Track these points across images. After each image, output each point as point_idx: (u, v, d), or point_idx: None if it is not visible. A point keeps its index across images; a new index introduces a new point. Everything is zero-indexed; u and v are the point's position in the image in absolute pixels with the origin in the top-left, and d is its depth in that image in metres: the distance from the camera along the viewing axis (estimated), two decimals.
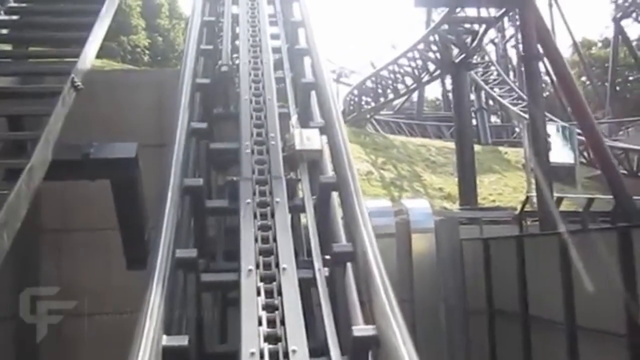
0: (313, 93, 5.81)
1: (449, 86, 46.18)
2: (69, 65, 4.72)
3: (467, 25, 17.87)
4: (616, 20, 38.50)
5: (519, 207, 14.95)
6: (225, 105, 5.87)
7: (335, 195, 4.52)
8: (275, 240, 3.73)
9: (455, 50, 18.55)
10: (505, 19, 26.68)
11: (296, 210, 4.57)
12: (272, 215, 3.95)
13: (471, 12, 18.72)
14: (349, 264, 3.81)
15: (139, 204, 5.22)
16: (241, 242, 3.72)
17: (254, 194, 4.18)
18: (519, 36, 42.58)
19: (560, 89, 14.45)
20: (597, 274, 6.59)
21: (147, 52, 28.74)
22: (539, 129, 12.22)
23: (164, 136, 5.31)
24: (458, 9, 16.89)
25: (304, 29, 6.67)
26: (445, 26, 18.14)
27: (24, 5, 5.71)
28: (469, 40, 17.79)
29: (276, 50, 6.55)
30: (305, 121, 5.52)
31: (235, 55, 6.29)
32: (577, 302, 7.15)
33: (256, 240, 3.71)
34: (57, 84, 4.61)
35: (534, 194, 14.26)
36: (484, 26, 17.57)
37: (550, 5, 36.62)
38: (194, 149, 5.12)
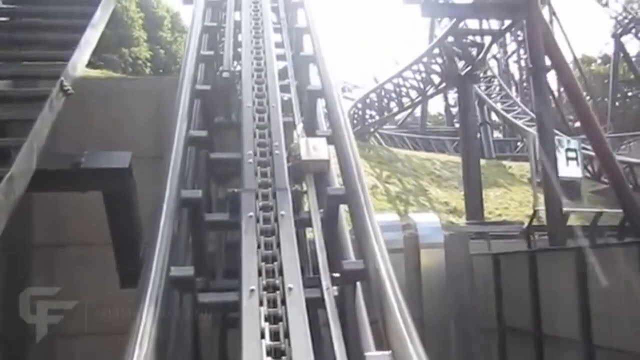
0: (319, 101, 5.56)
1: (451, 101, 46.39)
2: (58, 68, 4.42)
3: (473, 38, 17.62)
4: (616, 37, 38.53)
5: (526, 221, 14.65)
6: (226, 114, 5.56)
7: (343, 208, 4.25)
8: (280, 256, 3.40)
9: (461, 63, 18.29)
10: (507, 33, 26.44)
11: (302, 224, 4.24)
12: (277, 230, 3.63)
13: (473, 24, 18.57)
14: (359, 283, 3.51)
15: (133, 217, 4.91)
16: (242, 259, 3.40)
17: (257, 206, 3.86)
18: (521, 51, 42.99)
19: (569, 101, 14.13)
20: (616, 290, 6.26)
21: (148, 64, 28.52)
22: (547, 142, 11.91)
23: (163, 147, 5.05)
24: (462, 22, 16.65)
25: (310, 35, 6.40)
26: (451, 38, 17.86)
27: (13, 6, 5.43)
28: (474, 52, 17.54)
29: (280, 57, 6.28)
30: (311, 130, 5.23)
31: (237, 63, 6.05)
32: (594, 320, 6.80)
33: (259, 257, 3.38)
34: (45, 88, 4.30)
35: (541, 208, 13.97)
36: (490, 38, 17.32)
37: (551, 22, 36.66)
38: (192, 158, 4.84)
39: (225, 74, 5.40)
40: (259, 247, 3.45)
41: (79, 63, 4.83)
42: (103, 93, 7.82)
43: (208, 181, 4.94)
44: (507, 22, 16.32)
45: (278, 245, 3.48)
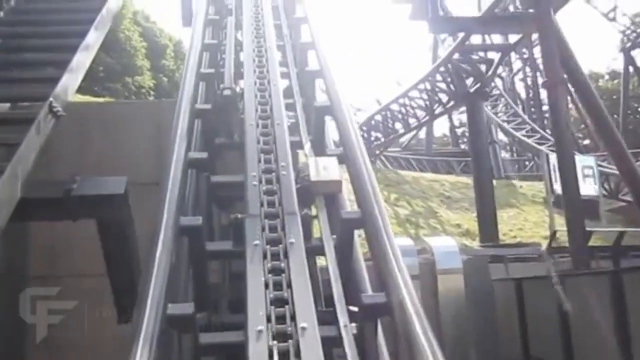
0: (327, 118, 5.20)
1: (456, 121, 46.12)
2: (47, 89, 4.07)
3: (482, 54, 17.26)
4: (625, 51, 38.22)
5: (542, 242, 14.15)
6: (228, 134, 5.19)
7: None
8: (290, 291, 2.99)
9: (469, 80, 17.90)
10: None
11: (313, 252, 3.84)
12: (286, 260, 3.22)
13: (478, 39, 18.25)
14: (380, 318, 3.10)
15: (130, 247, 4.53)
16: (248, 296, 2.99)
17: (263, 233, 3.47)
18: (527, 69, 42.82)
19: (588, 115, 13.69)
20: None
21: (152, 92, 28.45)
22: (567, 160, 11.44)
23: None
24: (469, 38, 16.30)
25: (315, 50, 6.08)
26: (458, 55, 17.49)
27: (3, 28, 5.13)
28: (483, 68, 17.17)
29: (284, 75, 5.97)
30: (319, 149, 4.87)
31: (239, 81, 5.73)
32: (635, 348, 6.27)
33: (267, 293, 2.97)
34: (32, 110, 3.95)
35: (559, 228, 13.49)
36: (497, 53, 16.97)
37: None
38: (192, 183, 4.47)
39: (226, 92, 5.05)
40: (266, 285, 3.03)
41: (71, 84, 4.51)
42: (100, 118, 7.50)
43: (209, 207, 4.56)
44: (516, 36, 16.05)
45: (288, 277, 3.07)
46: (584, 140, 35.44)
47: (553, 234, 12.65)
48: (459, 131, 49.78)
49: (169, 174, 4.01)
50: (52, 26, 5.29)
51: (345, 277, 3.57)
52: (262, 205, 3.66)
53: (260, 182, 3.88)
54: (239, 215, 3.74)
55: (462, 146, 44.02)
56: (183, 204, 4.06)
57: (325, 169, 4.17)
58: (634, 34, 37.80)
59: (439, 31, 18.86)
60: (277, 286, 3.02)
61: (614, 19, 36.80)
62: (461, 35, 17.09)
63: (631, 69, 38.12)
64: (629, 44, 37.87)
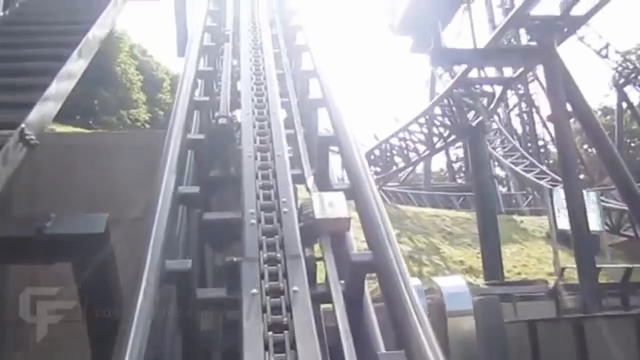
0: (331, 150, 4.78)
1: (452, 156, 46.00)
2: (19, 115, 3.63)
3: (482, 87, 17.01)
4: (619, 87, 38.53)
5: (547, 279, 13.67)
6: (224, 166, 4.75)
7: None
8: (295, 354, 2.50)
9: (470, 114, 17.61)
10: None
11: (319, 299, 3.35)
12: (289, 314, 2.74)
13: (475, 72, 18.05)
14: None
15: (110, 293, 4.03)
16: (245, 357, 2.50)
17: (262, 280, 2.99)
18: (523, 105, 42.93)
19: (594, 147, 13.37)
20: None
21: (147, 125, 28.22)
22: (575, 195, 11.05)
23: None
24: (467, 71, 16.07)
25: (318, 78, 5.69)
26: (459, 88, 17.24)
27: None
28: (484, 101, 16.89)
29: (284, 105, 5.57)
30: (323, 184, 4.43)
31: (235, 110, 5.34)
32: None
33: (267, 355, 2.49)
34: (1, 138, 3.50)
35: (565, 264, 13.04)
36: (501, 87, 16.75)
37: None
38: (182, 220, 4.02)
39: (222, 120, 4.63)
40: (266, 346, 2.55)
41: (48, 111, 4.06)
42: (86, 148, 7.07)
43: (202, 248, 4.08)
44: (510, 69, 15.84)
45: (293, 344, 2.57)
46: (578, 175, 35.37)
47: (562, 271, 12.15)
48: (455, 166, 49.65)
49: (155, 211, 3.55)
50: (30, 48, 4.87)
51: (353, 326, 3.10)
52: (261, 247, 3.19)
53: (259, 220, 3.42)
54: (235, 259, 3.27)
55: (459, 180, 43.93)
56: (170, 244, 3.60)
57: (331, 205, 3.71)
58: (627, 71, 38.13)
59: (441, 63, 18.64)
60: (279, 347, 2.53)
61: (606, 56, 37.16)
62: (458, 69, 16.92)
63: (624, 104, 38.39)
64: (622, 81, 38.19)
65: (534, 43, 12.39)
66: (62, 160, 6.62)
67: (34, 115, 3.71)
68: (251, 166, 4.01)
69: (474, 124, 17.14)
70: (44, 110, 3.92)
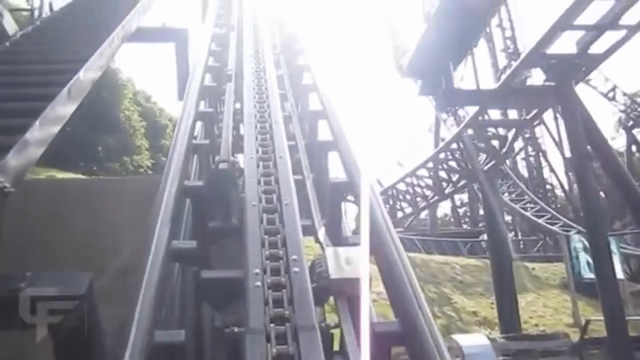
0: (345, 198, 4.31)
1: (457, 201, 45.37)
2: None
3: (495, 130, 16.60)
4: (628, 129, 38.33)
5: (567, 331, 12.94)
6: (225, 217, 4.24)
7: None
8: None
9: (481, 158, 17.12)
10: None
11: None
12: None
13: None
14: None
15: None
16: None
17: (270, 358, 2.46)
18: (529, 148, 42.58)
19: (617, 189, 12.84)
20: None
21: (150, 171, 27.87)
22: (600, 242, 10.45)
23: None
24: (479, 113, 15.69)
25: (327, 120, 5.25)
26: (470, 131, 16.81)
27: None
28: (497, 145, 16.44)
29: (291, 148, 5.11)
30: (336, 238, 3.93)
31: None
32: None
33: None
34: None
35: (586, 315, 12.34)
36: (513, 130, 16.33)
37: (556, 119, 36.45)
38: (176, 279, 3.51)
39: (222, 165, 4.16)
40: None
41: (28, 155, 3.60)
42: (77, 196, 6.59)
43: (198, 312, 3.55)
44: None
45: None
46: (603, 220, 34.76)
47: (586, 325, 11.42)
48: (460, 210, 49.12)
49: (145, 271, 3.05)
50: (14, 88, 4.46)
51: None
52: (268, 318, 2.66)
53: (265, 283, 2.90)
54: (236, 329, 2.74)
55: (465, 226, 43.31)
56: (161, 309, 3.08)
57: (348, 262, 3.21)
58: (635, 113, 37.97)
59: (453, 104, 18.32)
60: None
61: (613, 99, 37.05)
62: (462, 112, 16.53)
63: (634, 147, 38.12)
64: (630, 123, 38.02)
65: (550, 83, 12.04)
66: (51, 207, 6.15)
67: (10, 160, 3.26)
68: (255, 217, 3.51)
69: (485, 168, 16.62)
70: (22, 155, 3.47)
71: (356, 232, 4.45)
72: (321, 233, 3.85)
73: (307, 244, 3.56)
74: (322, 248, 3.47)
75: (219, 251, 4.26)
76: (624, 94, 37.37)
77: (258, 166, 4.01)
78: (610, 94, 35.76)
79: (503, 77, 13.64)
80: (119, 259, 5.18)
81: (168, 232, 3.45)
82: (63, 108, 4.16)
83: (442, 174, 20.27)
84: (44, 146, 3.82)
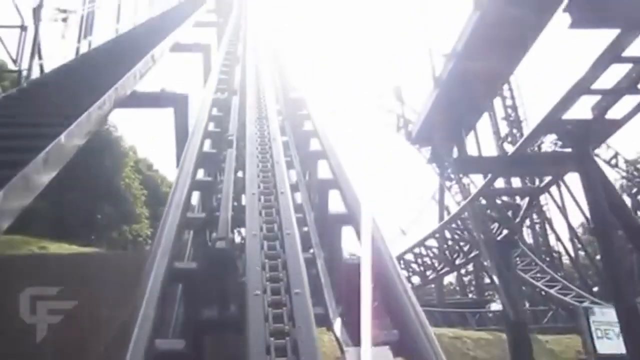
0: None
1: (462, 269, 44.33)
2: None
3: (507, 199, 16.08)
4: (632, 196, 37.96)
5: None
6: (223, 306, 3.59)
7: None
8: None
9: (493, 227, 16.46)
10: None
11: None
12: None
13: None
14: None
15: None
16: None
17: None
18: (534, 216, 41.95)
19: None
20: None
21: (149, 241, 27.17)
22: (630, 315, 9.67)
23: None
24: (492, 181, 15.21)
25: (339, 189, 4.68)
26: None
27: None
28: (510, 214, 15.86)
29: (298, 222, 4.52)
30: (354, 331, 3.27)
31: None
32: None
33: None
34: None
35: None
36: (527, 198, 15.81)
37: (559, 186, 36.13)
38: None
39: (220, 244, 3.56)
40: None
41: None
42: (61, 272, 5.93)
43: None
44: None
45: None
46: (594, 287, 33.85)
47: None
48: (465, 279, 48.02)
49: None
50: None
51: None
52: None
53: None
54: None
55: (470, 295, 42.21)
56: None
57: None
58: (637, 179, 37.73)
59: (463, 172, 17.84)
60: None
61: (616, 165, 36.90)
62: (467, 180, 16.07)
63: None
64: (635, 190, 37.73)
65: (566, 149, 11.60)
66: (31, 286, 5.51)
67: None
68: (259, 309, 2.88)
69: (499, 237, 15.94)
70: None
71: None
72: (337, 325, 3.22)
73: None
74: (341, 349, 2.82)
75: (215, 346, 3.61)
76: (626, 161, 37.35)
77: (261, 246, 3.40)
78: (613, 161, 35.73)
79: (516, 144, 13.27)
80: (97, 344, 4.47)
81: (151, 327, 2.81)
82: (37, 176, 3.60)
83: (452, 244, 19.56)
84: (11, 219, 3.24)
